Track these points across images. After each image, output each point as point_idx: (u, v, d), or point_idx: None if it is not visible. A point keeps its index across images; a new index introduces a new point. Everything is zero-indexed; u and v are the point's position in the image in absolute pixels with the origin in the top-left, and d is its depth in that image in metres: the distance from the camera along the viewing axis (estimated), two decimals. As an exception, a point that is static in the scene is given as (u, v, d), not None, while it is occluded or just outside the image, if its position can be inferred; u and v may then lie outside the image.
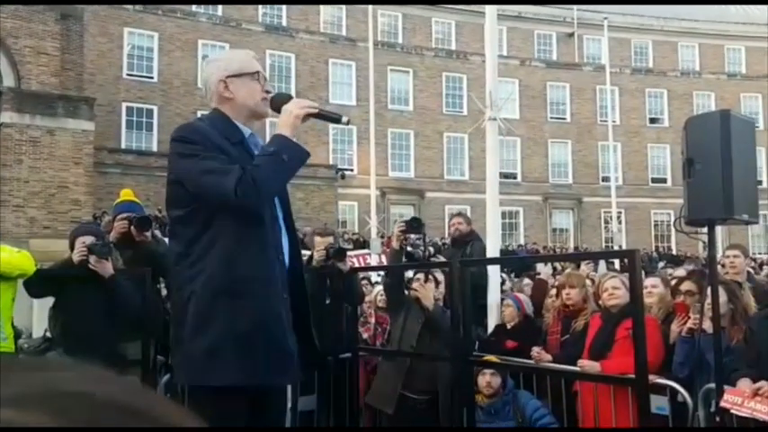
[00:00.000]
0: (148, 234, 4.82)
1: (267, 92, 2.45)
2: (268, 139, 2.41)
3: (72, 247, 4.28)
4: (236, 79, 2.42)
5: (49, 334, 4.51)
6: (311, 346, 2.47)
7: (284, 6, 29.47)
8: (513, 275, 9.73)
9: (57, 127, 17.66)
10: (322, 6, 30.20)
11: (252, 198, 2.19)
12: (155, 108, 26.17)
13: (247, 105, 2.43)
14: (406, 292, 4.87)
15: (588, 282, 6.46)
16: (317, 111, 2.38)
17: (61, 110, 17.83)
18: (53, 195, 17.39)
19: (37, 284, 4.21)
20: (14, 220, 16.85)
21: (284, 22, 29.41)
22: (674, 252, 29.28)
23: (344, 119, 2.43)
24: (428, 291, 4.55)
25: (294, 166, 2.31)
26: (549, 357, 4.44)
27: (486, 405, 4.29)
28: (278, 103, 2.41)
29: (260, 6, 29.00)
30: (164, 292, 5.57)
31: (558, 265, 12.79)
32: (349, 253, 9.88)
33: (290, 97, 2.43)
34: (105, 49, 25.10)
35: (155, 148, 25.48)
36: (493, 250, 5.78)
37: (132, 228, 4.75)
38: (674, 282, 5.00)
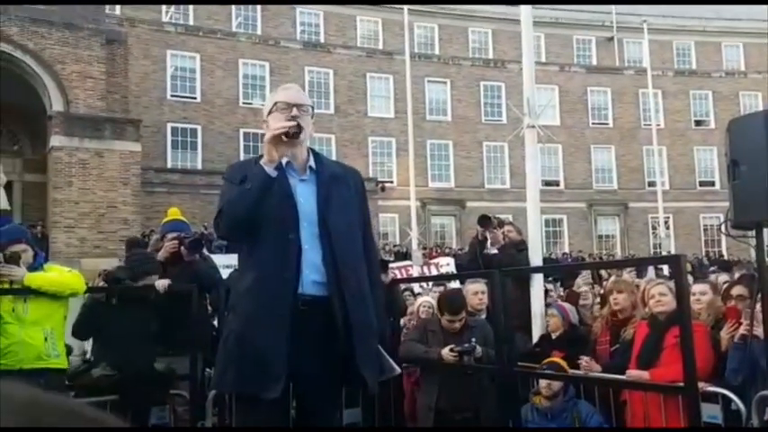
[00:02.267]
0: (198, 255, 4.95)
1: (293, 117, 2.55)
2: (313, 162, 2.65)
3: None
4: (270, 116, 2.64)
5: (89, 355, 4.67)
6: (351, 368, 2.48)
7: (321, 23, 29.82)
8: (558, 285, 9.60)
9: (105, 149, 18.20)
10: (359, 21, 30.48)
11: (221, 229, 2.52)
12: (198, 127, 26.70)
13: None
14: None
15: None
16: (284, 130, 2.44)
17: (108, 132, 18.36)
18: (102, 215, 17.88)
19: (81, 331, 4.46)
20: (66, 241, 17.37)
21: (322, 39, 29.76)
22: (724, 257, 28.49)
23: (292, 130, 2.47)
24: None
25: (253, 191, 2.43)
26: (598, 367, 4.37)
27: (542, 407, 4.24)
28: None
29: (297, 24, 29.41)
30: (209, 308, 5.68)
31: (604, 272, 12.55)
32: (391, 265, 9.91)
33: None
34: (149, 71, 25.76)
35: (199, 167, 25.98)
36: (535, 259, 5.71)
37: (183, 248, 4.87)
38: (724, 286, 4.88)
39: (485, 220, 5.97)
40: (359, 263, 2.59)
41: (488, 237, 5.90)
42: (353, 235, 2.61)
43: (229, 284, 2.72)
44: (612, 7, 32.73)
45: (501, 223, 6.13)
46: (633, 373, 3.97)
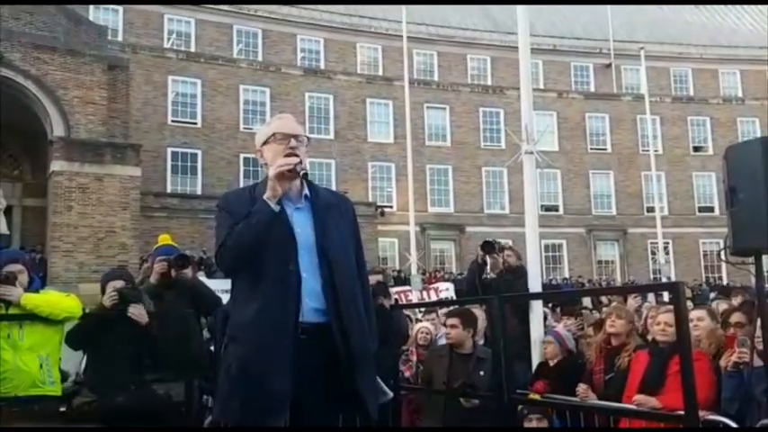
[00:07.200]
0: (187, 271, 4.94)
1: (292, 148, 2.58)
2: (307, 190, 2.67)
3: (103, 292, 4.46)
4: (265, 147, 2.67)
5: (78, 377, 4.61)
6: (352, 396, 2.47)
7: (322, 49, 30.11)
8: (558, 311, 9.55)
9: (104, 173, 18.22)
10: (359, 48, 30.77)
11: (223, 260, 2.54)
12: (199, 152, 26.79)
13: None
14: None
15: (636, 316, 6.29)
16: (289, 167, 2.47)
17: (109, 157, 18.40)
18: (101, 240, 17.84)
19: (75, 339, 4.39)
20: (64, 265, 17.30)
21: (322, 65, 30.02)
22: (724, 283, 28.41)
23: (302, 171, 2.54)
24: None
25: (259, 226, 2.45)
26: (593, 396, 4.32)
27: None
28: None
29: (298, 50, 29.69)
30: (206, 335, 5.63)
31: (604, 299, 12.51)
32: (390, 290, 9.85)
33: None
34: (150, 96, 25.90)
35: (199, 191, 26.02)
36: (534, 285, 5.69)
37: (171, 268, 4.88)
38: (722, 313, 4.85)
39: (488, 246, 6.00)
40: (357, 290, 2.62)
41: (488, 261, 5.91)
42: (350, 262, 2.65)
43: (229, 314, 2.71)
44: (610, 35, 33.07)
45: (502, 248, 6.14)
46: (640, 398, 3.92)
